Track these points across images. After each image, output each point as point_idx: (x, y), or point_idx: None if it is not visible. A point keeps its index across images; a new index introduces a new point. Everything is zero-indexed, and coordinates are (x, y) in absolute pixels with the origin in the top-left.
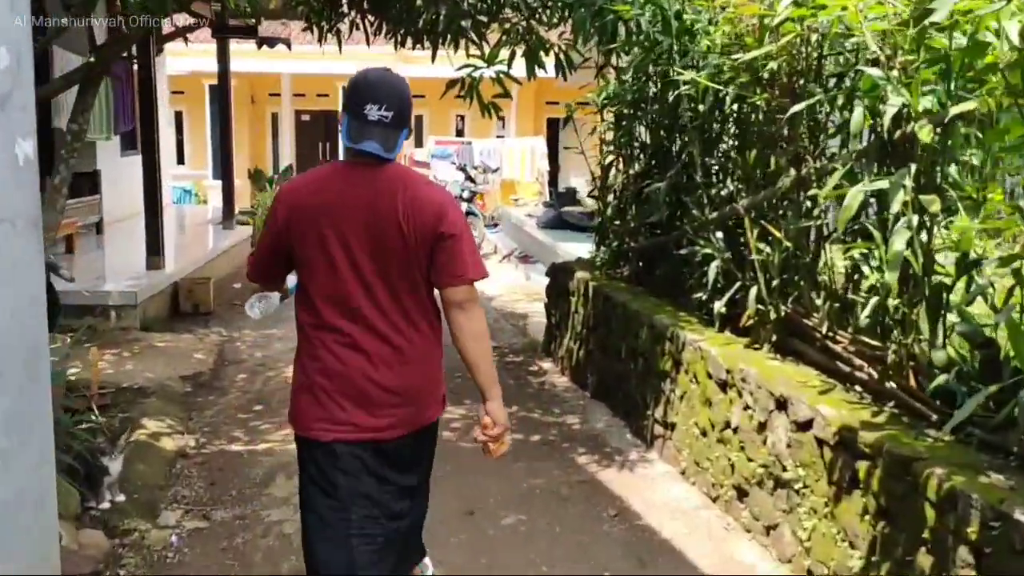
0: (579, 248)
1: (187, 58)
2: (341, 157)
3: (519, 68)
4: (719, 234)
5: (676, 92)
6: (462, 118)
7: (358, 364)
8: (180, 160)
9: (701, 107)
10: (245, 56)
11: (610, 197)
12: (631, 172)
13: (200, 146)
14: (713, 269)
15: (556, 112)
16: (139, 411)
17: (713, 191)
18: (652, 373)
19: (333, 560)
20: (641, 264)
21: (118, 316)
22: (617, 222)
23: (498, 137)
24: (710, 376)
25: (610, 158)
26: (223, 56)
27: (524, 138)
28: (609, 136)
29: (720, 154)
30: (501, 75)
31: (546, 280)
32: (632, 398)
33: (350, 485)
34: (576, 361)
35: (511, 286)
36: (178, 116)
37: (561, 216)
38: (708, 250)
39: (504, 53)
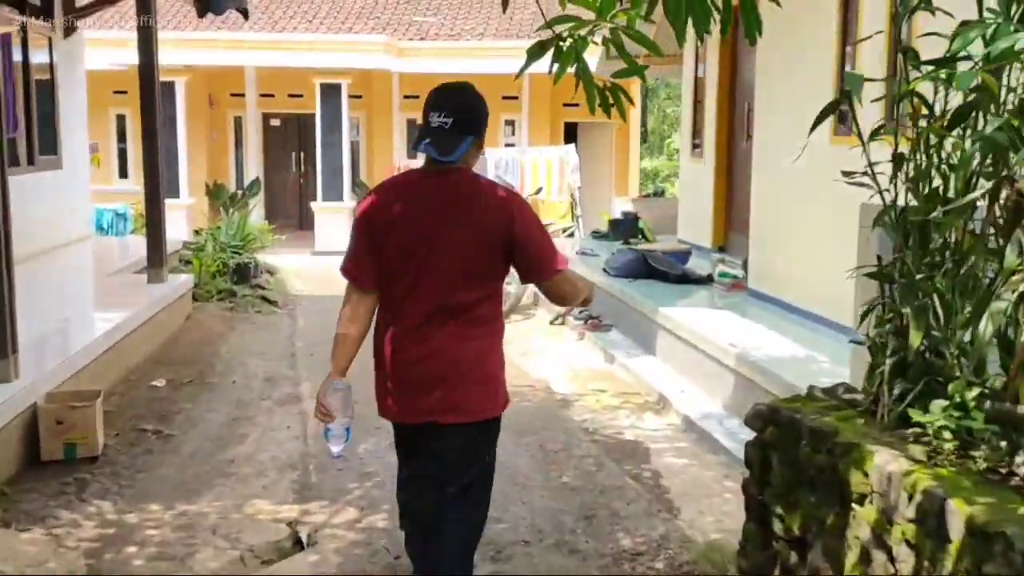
0: (696, 316)
1: (127, 49)
2: (320, 165)
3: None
4: None
5: None
6: None
7: (422, 360)
8: (123, 173)
9: None
10: (198, 46)
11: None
12: None
13: None
14: None
15: (575, 115)
16: None
17: None
18: None
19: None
20: None
21: None
22: None
23: (507, 146)
24: None
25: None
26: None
27: (549, 147)
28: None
29: None
30: (623, 34)
31: (642, 364)
32: None
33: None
34: None
35: (586, 374)
36: (121, 120)
37: (645, 260)
38: None
39: None
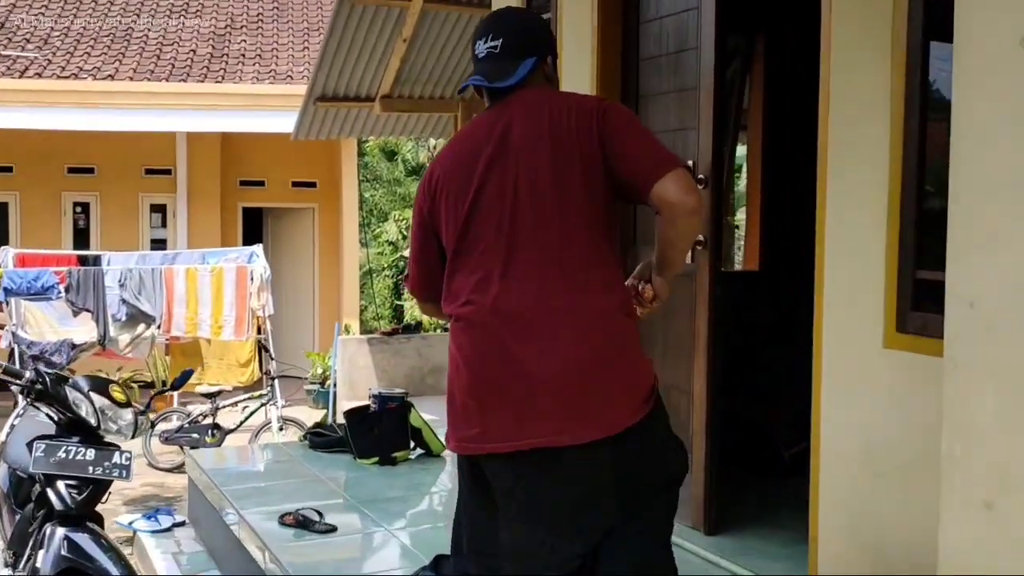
0: None
1: None
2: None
3: None
4: None
5: None
6: (84, 208)
7: (497, 346)
8: None
9: None
10: None
11: None
12: None
13: None
14: None
15: (259, 197)
16: None
17: None
18: None
19: None
20: None
21: None
22: None
23: (155, 245)
24: None
25: None
26: None
27: (220, 249)
28: None
29: None
30: None
31: None
32: None
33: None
34: None
35: None
36: None
37: None
38: None
39: None
